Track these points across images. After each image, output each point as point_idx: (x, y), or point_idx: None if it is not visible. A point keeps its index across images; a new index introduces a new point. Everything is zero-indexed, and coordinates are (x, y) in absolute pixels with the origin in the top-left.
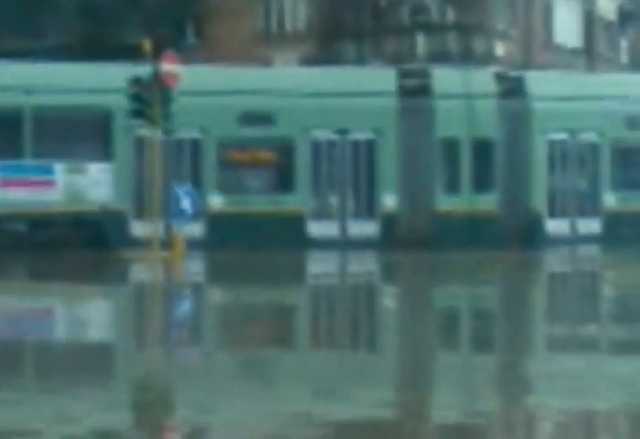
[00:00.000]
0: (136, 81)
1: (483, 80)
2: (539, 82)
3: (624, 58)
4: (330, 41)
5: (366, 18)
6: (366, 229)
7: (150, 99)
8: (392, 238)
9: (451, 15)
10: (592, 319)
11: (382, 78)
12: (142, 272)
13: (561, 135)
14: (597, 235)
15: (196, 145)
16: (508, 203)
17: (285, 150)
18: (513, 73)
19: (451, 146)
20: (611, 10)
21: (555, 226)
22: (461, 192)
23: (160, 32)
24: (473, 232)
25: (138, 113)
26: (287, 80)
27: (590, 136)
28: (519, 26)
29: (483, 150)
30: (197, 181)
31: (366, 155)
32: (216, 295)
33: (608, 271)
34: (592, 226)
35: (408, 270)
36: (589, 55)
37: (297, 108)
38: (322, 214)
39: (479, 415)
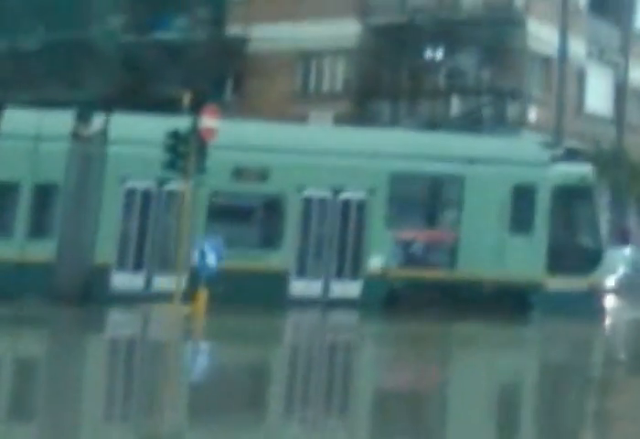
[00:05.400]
0: (174, 134)
1: (53, 121)
2: (122, 127)
3: None
4: (366, 101)
5: (402, 80)
6: None
7: (185, 152)
8: None
9: (486, 79)
10: None
11: None
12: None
13: (145, 183)
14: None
15: None
16: (68, 253)
17: None
18: (99, 115)
19: (9, 189)
20: None
21: (124, 282)
22: (13, 238)
23: (199, 87)
24: (24, 282)
25: (171, 165)
26: None
27: (175, 186)
28: (553, 93)
29: (46, 195)
30: None
31: None
32: None
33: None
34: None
35: None
36: (619, 123)
37: None
38: None
39: None
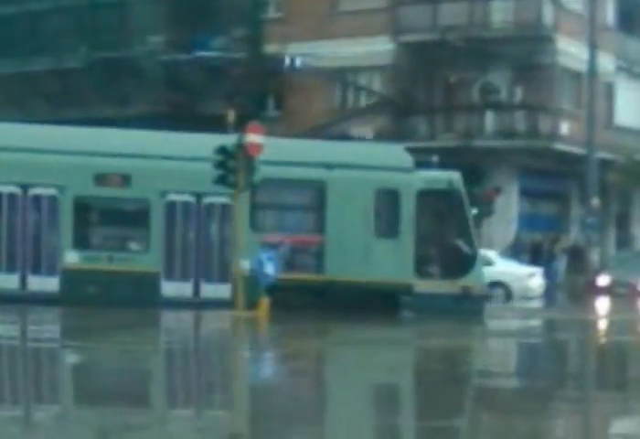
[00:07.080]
0: (222, 150)
1: None
2: None
3: None
4: (403, 116)
5: (436, 96)
6: None
7: (235, 167)
8: None
9: (519, 94)
10: None
11: None
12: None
13: (9, 188)
14: (54, 293)
15: None
16: None
17: None
18: None
19: None
20: None
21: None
22: None
23: (242, 104)
24: None
25: (222, 180)
26: None
27: (47, 191)
28: (583, 107)
29: None
30: None
31: None
32: None
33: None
34: (49, 284)
35: None
36: None
37: None
38: None
39: None
